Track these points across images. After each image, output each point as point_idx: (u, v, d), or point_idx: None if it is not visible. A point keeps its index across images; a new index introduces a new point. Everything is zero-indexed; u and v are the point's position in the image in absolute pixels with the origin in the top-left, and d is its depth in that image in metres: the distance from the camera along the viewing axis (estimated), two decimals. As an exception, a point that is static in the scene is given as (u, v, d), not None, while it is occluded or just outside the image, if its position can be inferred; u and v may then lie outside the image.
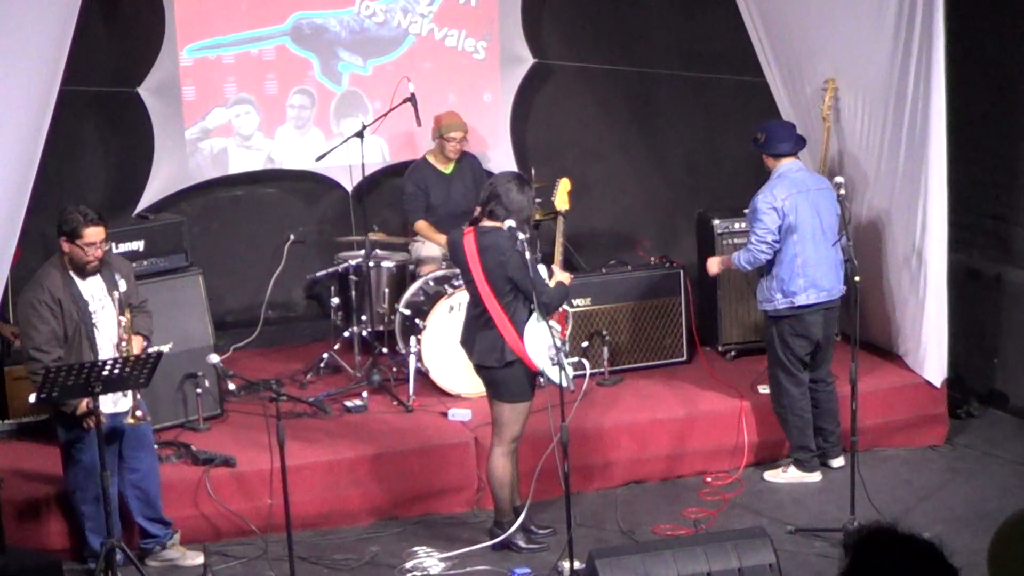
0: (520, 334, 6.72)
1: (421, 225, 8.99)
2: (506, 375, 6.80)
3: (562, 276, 7.00)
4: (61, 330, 6.59)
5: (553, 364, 6.66)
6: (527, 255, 6.65)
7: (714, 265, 8.06)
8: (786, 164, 7.59)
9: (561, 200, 7.41)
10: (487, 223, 6.79)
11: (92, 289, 6.72)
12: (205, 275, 8.27)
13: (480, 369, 6.93)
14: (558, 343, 6.68)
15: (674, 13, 10.21)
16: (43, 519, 7.11)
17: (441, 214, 8.98)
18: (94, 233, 6.59)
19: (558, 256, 7.22)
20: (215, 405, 8.15)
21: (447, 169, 9.10)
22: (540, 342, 6.72)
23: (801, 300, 7.54)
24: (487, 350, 6.81)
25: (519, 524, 7.05)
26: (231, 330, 9.45)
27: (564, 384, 6.67)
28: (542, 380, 6.91)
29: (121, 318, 6.66)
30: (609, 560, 6.10)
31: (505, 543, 7.07)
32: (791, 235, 7.50)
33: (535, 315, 6.70)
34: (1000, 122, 8.75)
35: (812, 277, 7.50)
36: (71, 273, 6.67)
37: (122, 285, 6.71)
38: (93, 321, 6.69)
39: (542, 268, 6.95)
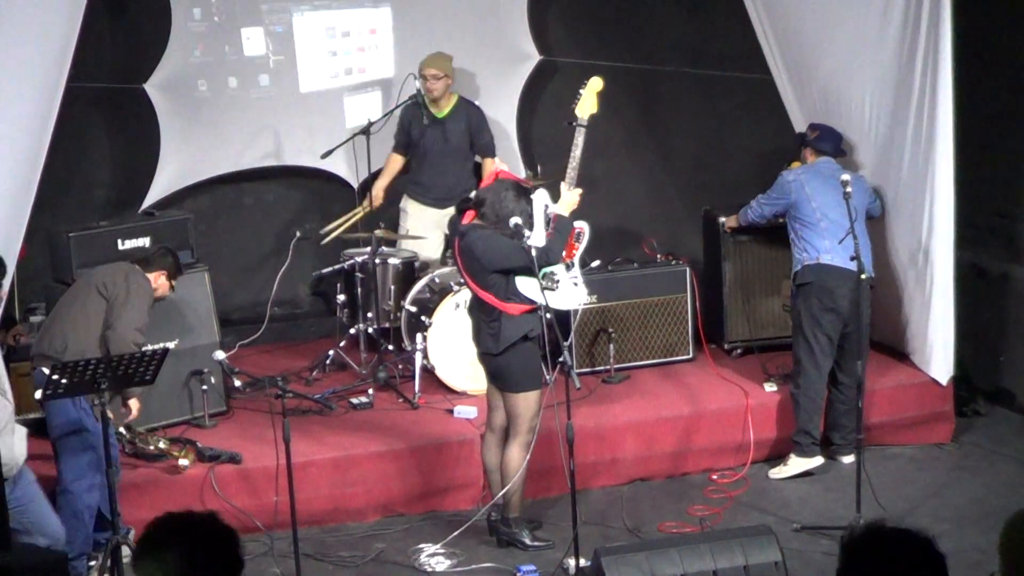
0: (516, 295, 6.74)
1: (389, 157, 9.24)
2: (506, 362, 6.83)
3: (567, 197, 6.89)
4: None
5: (544, 289, 6.68)
6: (532, 252, 6.68)
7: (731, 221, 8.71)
8: (821, 159, 8.02)
9: (586, 105, 7.06)
10: (474, 221, 6.88)
11: None
12: (211, 272, 8.28)
13: (483, 357, 6.96)
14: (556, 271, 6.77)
15: (680, 10, 10.20)
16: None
17: (425, 153, 9.10)
18: None
19: (571, 171, 6.97)
20: (221, 402, 8.16)
21: (440, 112, 9.10)
22: (532, 283, 6.74)
23: (826, 259, 7.64)
24: (487, 337, 6.87)
25: (518, 520, 7.08)
26: (237, 327, 9.45)
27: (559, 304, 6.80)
28: (547, 378, 6.92)
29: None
30: (615, 558, 6.09)
31: (511, 540, 7.07)
32: (811, 202, 7.79)
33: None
34: (1007, 120, 8.74)
35: (836, 241, 7.59)
36: None
37: None
38: None
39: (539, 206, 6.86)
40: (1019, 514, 3.39)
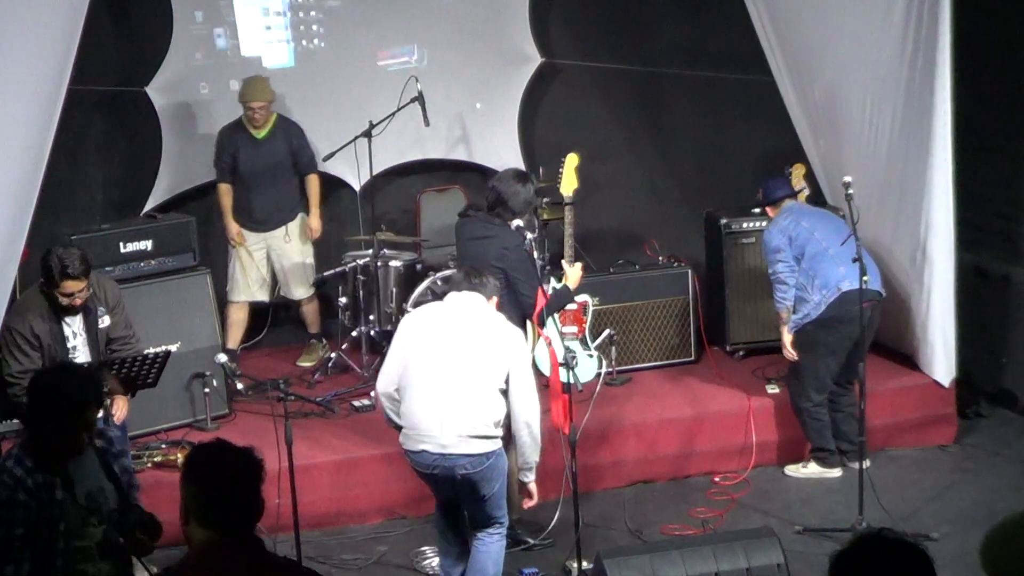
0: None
1: (221, 188, 8.98)
2: None
3: (572, 273, 7.01)
4: (39, 362, 6.48)
5: (565, 367, 6.64)
6: (535, 255, 6.67)
7: (786, 338, 7.80)
8: (787, 203, 7.91)
9: (568, 182, 7.32)
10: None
11: (71, 324, 6.66)
12: (213, 274, 8.28)
13: None
14: (567, 345, 6.74)
15: (682, 12, 10.20)
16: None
17: (246, 175, 8.89)
18: (71, 285, 6.45)
19: (568, 249, 7.17)
20: (223, 405, 8.16)
21: (259, 134, 8.91)
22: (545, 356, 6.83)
23: (846, 286, 7.48)
24: None
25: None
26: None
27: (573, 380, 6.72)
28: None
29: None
30: (617, 560, 6.10)
31: (513, 542, 7.06)
32: (814, 233, 7.65)
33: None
34: (1008, 120, 8.74)
35: (850, 266, 7.45)
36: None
37: (104, 321, 6.72)
38: (72, 355, 6.64)
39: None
40: (1002, 528, 3.33)
